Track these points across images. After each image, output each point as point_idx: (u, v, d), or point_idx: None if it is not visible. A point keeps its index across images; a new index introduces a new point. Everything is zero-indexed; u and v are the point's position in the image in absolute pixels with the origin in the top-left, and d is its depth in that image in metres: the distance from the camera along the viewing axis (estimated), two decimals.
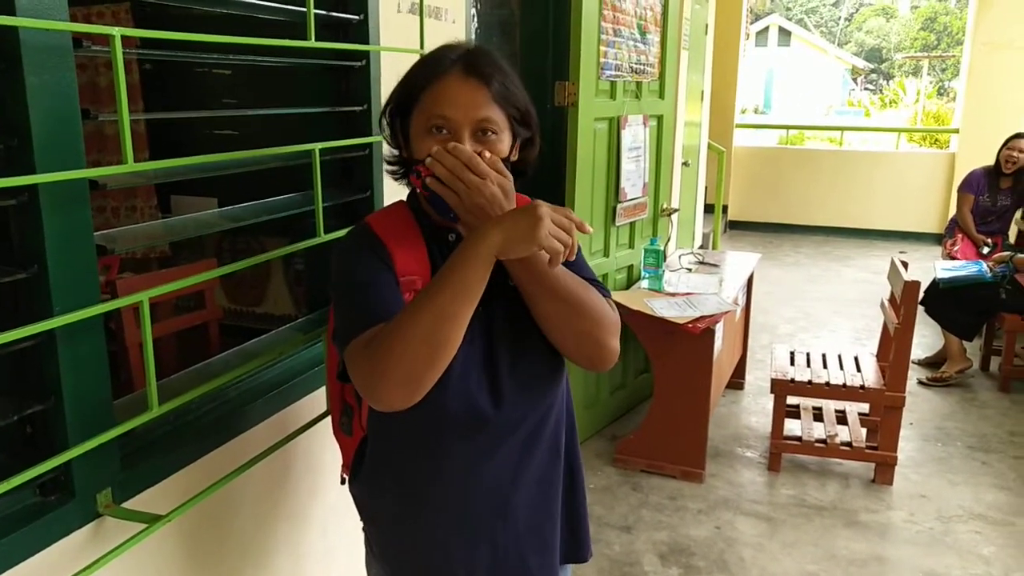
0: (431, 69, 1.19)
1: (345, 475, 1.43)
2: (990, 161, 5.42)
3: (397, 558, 1.34)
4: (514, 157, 1.24)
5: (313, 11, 1.47)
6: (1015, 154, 5.16)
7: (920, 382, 4.37)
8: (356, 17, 1.73)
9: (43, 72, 1.03)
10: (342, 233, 1.54)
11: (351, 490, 1.39)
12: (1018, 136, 5.26)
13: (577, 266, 1.31)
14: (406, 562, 1.33)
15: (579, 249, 1.33)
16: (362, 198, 1.81)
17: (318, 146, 1.52)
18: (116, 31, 1.07)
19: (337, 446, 1.45)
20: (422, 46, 1.88)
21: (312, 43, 1.46)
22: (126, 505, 1.22)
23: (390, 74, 1.79)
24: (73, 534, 1.16)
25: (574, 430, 1.42)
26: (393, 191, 1.51)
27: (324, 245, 1.59)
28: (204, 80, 2.55)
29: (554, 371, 1.29)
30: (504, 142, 1.19)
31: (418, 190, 1.21)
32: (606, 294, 1.29)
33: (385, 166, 1.32)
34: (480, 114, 1.16)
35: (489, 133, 1.17)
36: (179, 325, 2.42)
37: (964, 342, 4.46)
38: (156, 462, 1.29)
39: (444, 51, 1.21)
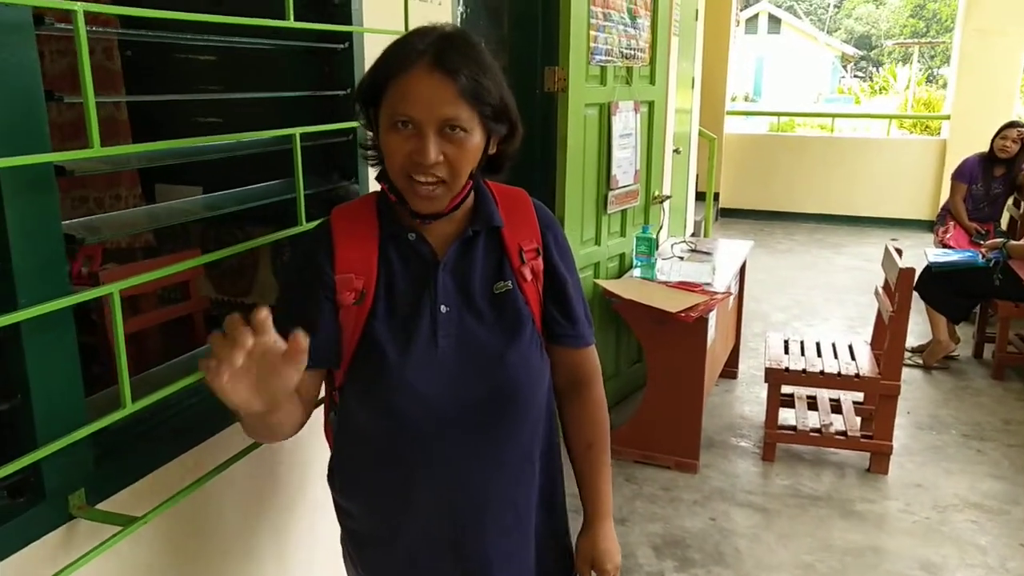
0: (398, 60, 1.11)
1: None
2: (981, 147, 5.38)
3: (365, 560, 1.33)
4: (491, 151, 1.19)
5: None
6: (1008, 143, 5.13)
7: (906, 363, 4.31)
8: None
9: (2, 50, 0.97)
10: None
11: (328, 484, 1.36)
12: (1012, 124, 5.22)
13: (567, 302, 1.29)
14: (374, 567, 1.32)
15: (574, 283, 1.31)
16: (347, 185, 1.75)
17: (299, 131, 1.46)
18: (78, 6, 1.00)
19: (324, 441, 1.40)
20: (407, 28, 1.82)
21: (291, 23, 1.40)
22: (100, 506, 1.17)
23: (375, 57, 1.72)
24: (44, 537, 1.10)
25: (554, 435, 1.36)
26: None
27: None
28: (187, 66, 2.48)
29: (532, 378, 1.24)
30: (474, 140, 1.12)
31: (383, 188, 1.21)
32: (590, 339, 1.34)
33: (361, 151, 1.28)
34: (445, 112, 1.08)
35: (457, 130, 1.10)
36: (162, 317, 2.37)
37: (955, 327, 4.44)
38: (131, 461, 1.23)
39: (414, 38, 1.12)
